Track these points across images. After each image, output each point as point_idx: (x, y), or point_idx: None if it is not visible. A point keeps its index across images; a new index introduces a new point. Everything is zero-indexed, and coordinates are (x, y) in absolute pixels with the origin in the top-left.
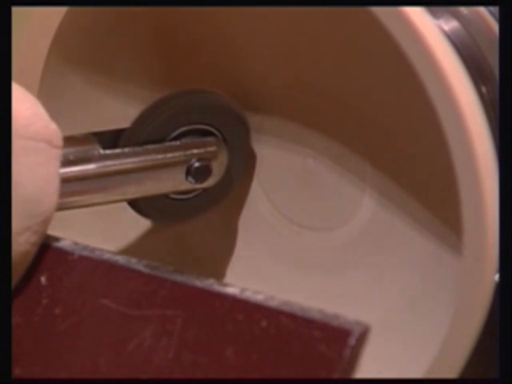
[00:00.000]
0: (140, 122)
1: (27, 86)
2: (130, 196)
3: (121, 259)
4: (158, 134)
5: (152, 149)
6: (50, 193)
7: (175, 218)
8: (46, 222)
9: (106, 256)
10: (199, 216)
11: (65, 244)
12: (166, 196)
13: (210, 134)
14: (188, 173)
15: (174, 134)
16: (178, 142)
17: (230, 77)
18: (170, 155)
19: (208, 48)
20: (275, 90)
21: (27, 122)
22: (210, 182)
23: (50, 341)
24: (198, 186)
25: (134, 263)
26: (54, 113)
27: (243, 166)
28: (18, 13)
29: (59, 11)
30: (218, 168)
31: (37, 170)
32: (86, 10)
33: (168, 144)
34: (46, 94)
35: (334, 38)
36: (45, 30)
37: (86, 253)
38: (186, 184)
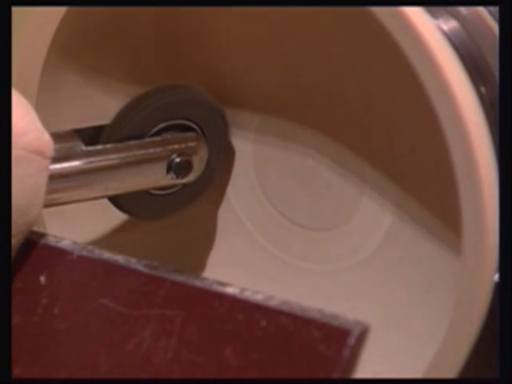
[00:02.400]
0: (121, 118)
1: (27, 86)
2: (112, 192)
3: (120, 259)
4: (139, 130)
5: (133, 145)
6: (36, 204)
7: (155, 214)
8: (28, 230)
9: (106, 256)
10: (178, 212)
11: (64, 244)
12: (146, 192)
13: (190, 129)
14: (169, 168)
15: (155, 129)
16: (158, 138)
17: (229, 78)
18: (151, 151)
19: (207, 49)
20: (275, 91)
21: (21, 131)
22: (190, 177)
23: (49, 340)
24: (179, 181)
25: (134, 263)
26: (54, 111)
27: (223, 161)
28: (17, 13)
29: (59, 11)
30: (199, 163)
31: (26, 181)
32: (85, 10)
33: (149, 140)
34: (45, 93)
35: (333, 38)
36: (44, 30)
37: (85, 253)
38: (167, 179)
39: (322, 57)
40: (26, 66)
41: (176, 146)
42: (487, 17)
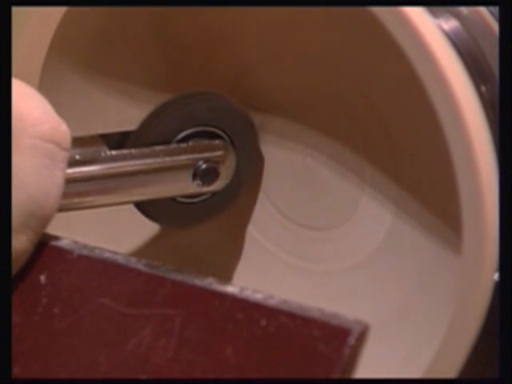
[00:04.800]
0: (147, 123)
1: None
2: (137, 198)
3: (120, 258)
4: (165, 136)
5: (159, 150)
6: (54, 195)
7: (183, 223)
8: (47, 222)
9: (106, 255)
10: (208, 221)
11: (64, 243)
12: (173, 199)
13: (217, 136)
14: (195, 175)
15: (181, 135)
16: (185, 144)
17: (229, 76)
18: (176, 157)
19: (207, 48)
20: (276, 90)
21: (37, 121)
22: (217, 186)
23: (49, 340)
24: (206, 189)
25: (134, 262)
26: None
27: (252, 169)
28: (17, 13)
29: (59, 11)
30: (226, 171)
31: (42, 171)
32: (85, 10)
33: (175, 146)
34: (45, 94)
35: (333, 38)
36: (44, 30)
37: (85, 252)
38: (193, 187)
39: (322, 57)
40: (25, 66)
41: (202, 154)
42: (488, 16)
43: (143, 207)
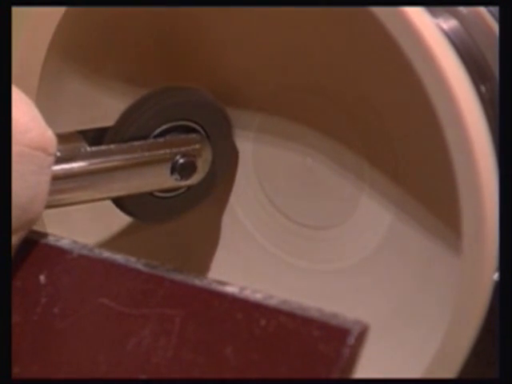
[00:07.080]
0: (125, 119)
1: (26, 86)
2: (116, 193)
3: (120, 258)
4: (143, 131)
5: (137, 145)
6: (39, 200)
7: (160, 217)
8: (32, 225)
9: (105, 255)
10: (184, 215)
11: (64, 243)
12: (150, 194)
13: (194, 130)
14: (173, 169)
15: (158, 130)
16: (162, 139)
17: (229, 77)
18: (155, 152)
19: (207, 48)
20: (275, 91)
21: (24, 128)
22: (194, 179)
23: (49, 339)
24: (183, 183)
25: (133, 262)
26: (53, 112)
27: (227, 163)
28: (17, 13)
29: (59, 11)
30: (203, 165)
31: (29, 178)
32: (85, 10)
33: (153, 141)
34: (44, 94)
35: (333, 38)
36: (44, 30)
37: (84, 252)
38: (171, 181)
39: (322, 57)
40: (25, 66)
41: (180, 148)
42: (487, 16)
43: (121, 203)
